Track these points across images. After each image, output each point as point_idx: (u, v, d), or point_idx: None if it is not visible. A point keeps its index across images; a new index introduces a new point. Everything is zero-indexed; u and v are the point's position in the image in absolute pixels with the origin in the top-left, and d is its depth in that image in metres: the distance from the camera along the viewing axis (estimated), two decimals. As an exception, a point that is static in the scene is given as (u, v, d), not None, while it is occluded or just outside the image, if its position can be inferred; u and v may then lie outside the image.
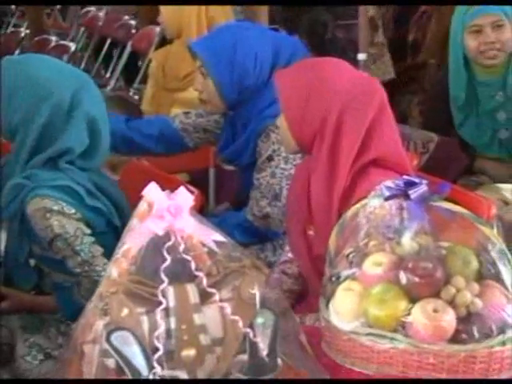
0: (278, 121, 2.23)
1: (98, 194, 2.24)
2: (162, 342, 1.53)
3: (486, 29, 3.07)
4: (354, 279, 1.72)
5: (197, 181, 3.04)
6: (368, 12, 4.34)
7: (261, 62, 2.70)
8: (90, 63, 6.66)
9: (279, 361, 1.59)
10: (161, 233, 1.59)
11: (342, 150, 2.10)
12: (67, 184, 2.17)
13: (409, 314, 1.61)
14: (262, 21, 4.72)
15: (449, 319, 1.60)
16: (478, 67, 3.16)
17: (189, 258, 1.59)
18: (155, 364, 1.49)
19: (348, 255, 1.75)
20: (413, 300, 1.63)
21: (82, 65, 6.48)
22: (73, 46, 6.30)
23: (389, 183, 1.73)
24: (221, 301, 1.61)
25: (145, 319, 1.58)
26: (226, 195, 3.24)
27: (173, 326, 1.59)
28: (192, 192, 1.92)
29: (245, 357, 1.57)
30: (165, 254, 1.57)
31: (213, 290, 1.61)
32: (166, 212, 1.59)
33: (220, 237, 1.66)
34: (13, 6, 8.49)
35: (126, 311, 1.57)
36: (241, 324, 1.57)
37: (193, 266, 1.59)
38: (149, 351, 1.51)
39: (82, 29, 6.82)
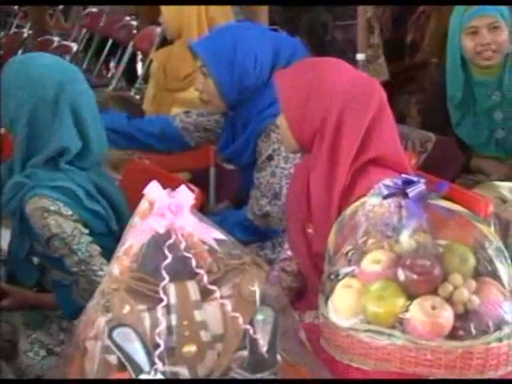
0: (278, 120, 2.24)
1: (98, 197, 2.25)
2: (163, 339, 1.55)
3: (483, 30, 3.09)
4: (353, 276, 1.73)
5: (197, 179, 3.05)
6: (366, 13, 4.34)
7: (261, 62, 2.71)
8: (92, 63, 6.67)
9: (279, 357, 1.60)
10: (162, 231, 1.60)
11: (341, 150, 2.10)
12: (67, 185, 2.19)
13: (407, 311, 1.63)
14: (262, 21, 4.71)
15: (446, 316, 1.61)
16: (475, 68, 3.17)
17: (189, 255, 1.61)
18: (156, 360, 1.51)
19: (347, 253, 1.76)
20: (411, 297, 1.64)
21: (84, 65, 6.49)
22: (75, 47, 6.30)
23: (387, 182, 1.74)
24: (221, 298, 1.63)
25: (146, 316, 1.60)
26: (226, 194, 3.24)
27: (174, 322, 1.60)
28: (193, 190, 1.94)
29: (245, 353, 1.59)
30: (166, 251, 1.58)
31: (213, 287, 1.62)
32: (167, 210, 1.61)
33: (220, 235, 1.67)
34: (15, 7, 8.51)
35: (127, 308, 1.59)
36: (241, 321, 1.59)
37: (193, 263, 1.61)
38: (150, 347, 1.52)
39: (84, 29, 6.82)
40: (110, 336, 1.52)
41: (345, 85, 2.13)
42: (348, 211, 1.81)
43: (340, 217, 1.82)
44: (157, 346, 1.53)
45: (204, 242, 1.66)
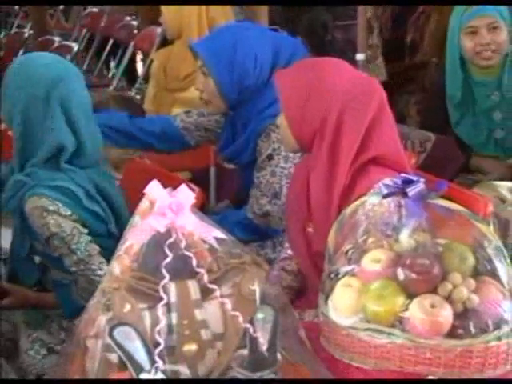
0: (278, 120, 2.24)
1: (98, 198, 2.26)
2: (164, 337, 1.55)
3: (482, 30, 3.10)
4: (353, 275, 1.74)
5: (198, 179, 3.06)
6: (366, 13, 4.34)
7: (261, 62, 2.71)
8: (93, 63, 6.67)
9: (279, 355, 1.61)
10: (162, 230, 1.61)
11: (341, 149, 2.11)
12: (66, 185, 2.19)
13: (406, 310, 1.63)
14: (262, 21, 4.71)
15: (446, 315, 1.62)
16: (474, 67, 3.18)
17: (190, 254, 1.61)
18: (157, 358, 1.52)
19: (347, 252, 1.77)
20: (410, 296, 1.65)
21: (85, 65, 6.50)
22: (75, 47, 6.29)
23: (387, 181, 1.75)
24: (221, 297, 1.63)
25: (147, 315, 1.60)
26: (226, 193, 3.25)
27: (174, 321, 1.61)
28: (193, 190, 1.94)
29: (245, 351, 1.59)
30: (166, 250, 1.59)
31: (213, 286, 1.63)
32: (168, 209, 1.61)
33: (221, 234, 1.68)
34: (16, 7, 8.52)
35: (128, 307, 1.59)
36: (241, 319, 1.59)
37: (194, 262, 1.61)
38: (151, 346, 1.53)
39: (85, 29, 6.82)
40: (110, 335, 1.53)
41: (345, 85, 2.14)
42: (348, 210, 1.81)
43: (340, 216, 1.83)
44: (157, 344, 1.54)
45: (204, 241, 1.67)
